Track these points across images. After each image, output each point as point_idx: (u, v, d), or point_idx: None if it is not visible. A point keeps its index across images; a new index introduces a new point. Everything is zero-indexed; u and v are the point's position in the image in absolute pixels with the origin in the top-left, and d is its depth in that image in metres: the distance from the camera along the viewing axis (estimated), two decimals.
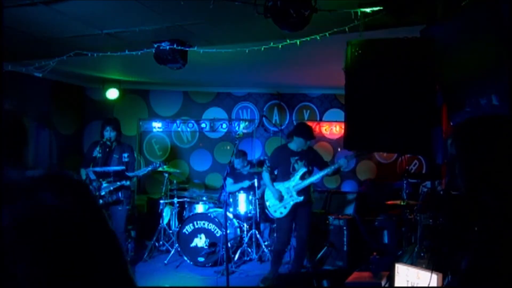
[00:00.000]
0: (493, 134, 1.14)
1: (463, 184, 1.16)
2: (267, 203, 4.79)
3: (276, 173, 4.89)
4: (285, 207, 4.66)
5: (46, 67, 4.61)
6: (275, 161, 4.84)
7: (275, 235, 5.38)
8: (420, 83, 2.84)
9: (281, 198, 4.66)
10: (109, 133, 5.10)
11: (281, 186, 4.70)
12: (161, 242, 6.04)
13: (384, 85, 2.95)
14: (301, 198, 4.62)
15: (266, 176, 4.80)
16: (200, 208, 6.02)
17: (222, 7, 3.16)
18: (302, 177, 4.66)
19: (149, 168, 5.46)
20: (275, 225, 5.26)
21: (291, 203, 4.64)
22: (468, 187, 1.17)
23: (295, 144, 4.75)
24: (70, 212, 0.91)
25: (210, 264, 5.41)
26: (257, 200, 5.60)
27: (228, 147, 7.63)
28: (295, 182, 4.67)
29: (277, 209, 4.69)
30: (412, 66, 2.87)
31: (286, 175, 4.73)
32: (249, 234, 5.67)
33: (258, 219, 5.69)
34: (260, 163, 6.20)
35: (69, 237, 0.89)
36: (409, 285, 2.66)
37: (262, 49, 3.71)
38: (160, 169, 5.67)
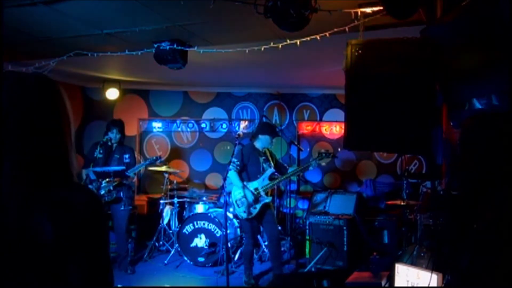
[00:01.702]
0: (494, 132, 1.13)
1: (466, 181, 1.16)
2: (236, 203, 4.65)
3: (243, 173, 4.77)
4: (255, 208, 4.59)
5: (46, 67, 4.60)
6: (245, 161, 4.70)
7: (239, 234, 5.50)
8: (420, 83, 2.83)
9: (250, 199, 4.59)
10: (114, 135, 5.14)
11: (250, 186, 4.64)
12: (161, 242, 6.05)
13: (384, 85, 2.94)
14: (270, 198, 4.62)
15: (234, 175, 4.62)
16: (200, 208, 6.03)
17: (222, 7, 3.16)
18: (271, 178, 4.65)
19: (147, 162, 5.48)
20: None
21: (260, 203, 4.60)
22: (471, 184, 1.16)
23: (261, 143, 4.74)
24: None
25: (210, 264, 5.41)
26: None
27: (228, 147, 7.62)
28: (264, 182, 4.64)
29: (247, 210, 4.58)
30: (412, 66, 2.87)
31: (255, 175, 4.69)
32: None
33: None
34: None
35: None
36: (409, 285, 2.66)
37: (262, 49, 3.71)
38: (157, 163, 5.70)
